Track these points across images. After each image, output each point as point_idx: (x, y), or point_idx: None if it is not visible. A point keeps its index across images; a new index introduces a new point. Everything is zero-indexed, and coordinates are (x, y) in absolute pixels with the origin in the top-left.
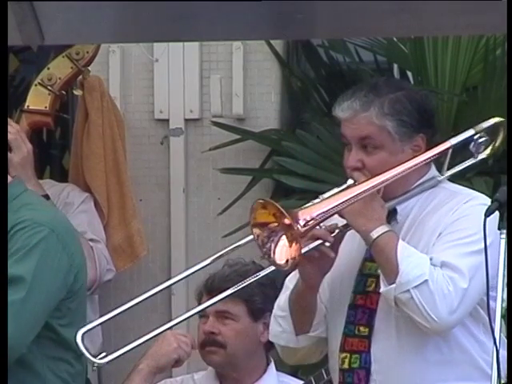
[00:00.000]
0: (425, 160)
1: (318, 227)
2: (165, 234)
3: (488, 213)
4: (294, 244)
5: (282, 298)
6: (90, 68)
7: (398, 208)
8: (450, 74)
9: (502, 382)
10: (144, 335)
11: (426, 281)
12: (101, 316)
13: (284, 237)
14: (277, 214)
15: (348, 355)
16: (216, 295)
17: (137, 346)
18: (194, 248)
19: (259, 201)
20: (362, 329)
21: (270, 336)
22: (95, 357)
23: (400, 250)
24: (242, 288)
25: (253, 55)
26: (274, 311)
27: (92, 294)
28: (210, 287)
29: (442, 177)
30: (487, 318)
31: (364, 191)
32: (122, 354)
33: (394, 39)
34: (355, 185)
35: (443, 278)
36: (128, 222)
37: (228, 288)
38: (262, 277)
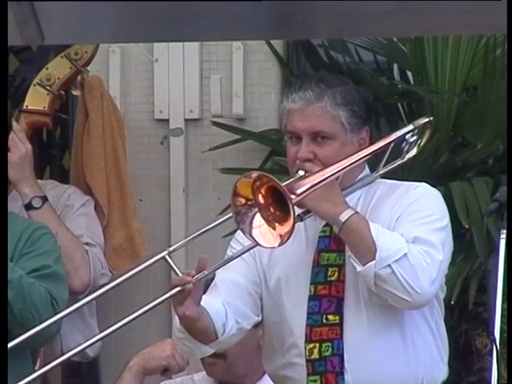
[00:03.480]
0: (375, 150)
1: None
2: (165, 234)
3: (488, 213)
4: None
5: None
6: (89, 68)
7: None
8: (450, 74)
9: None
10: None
11: (406, 254)
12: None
13: (258, 215)
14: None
15: (317, 345)
16: None
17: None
18: (193, 248)
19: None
20: (330, 317)
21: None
22: None
23: (373, 228)
24: None
25: (253, 55)
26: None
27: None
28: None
29: (381, 172)
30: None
31: (326, 178)
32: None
33: (394, 39)
34: (306, 176)
35: (419, 252)
36: (129, 222)
37: None
38: None
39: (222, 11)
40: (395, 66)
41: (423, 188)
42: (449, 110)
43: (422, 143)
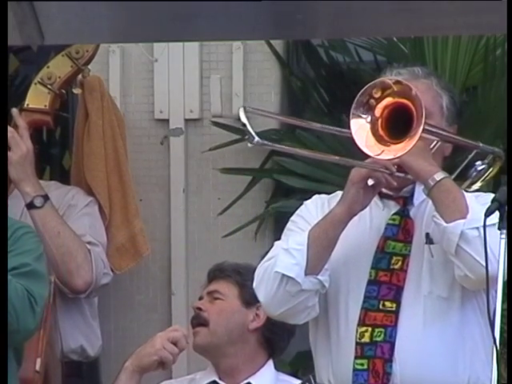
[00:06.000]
0: (462, 145)
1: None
2: (165, 234)
3: (488, 213)
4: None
5: (297, 236)
6: (89, 67)
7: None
8: (450, 74)
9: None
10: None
11: (495, 224)
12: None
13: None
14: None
15: (369, 329)
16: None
17: None
18: (194, 248)
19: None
20: (388, 304)
21: (279, 267)
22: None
23: (466, 195)
24: (239, 273)
25: (253, 55)
26: (286, 246)
27: (88, 296)
28: (208, 274)
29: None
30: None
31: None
32: None
33: (394, 39)
34: None
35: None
36: (131, 222)
37: (222, 276)
38: None
39: (221, 11)
40: None
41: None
42: None
43: (487, 177)
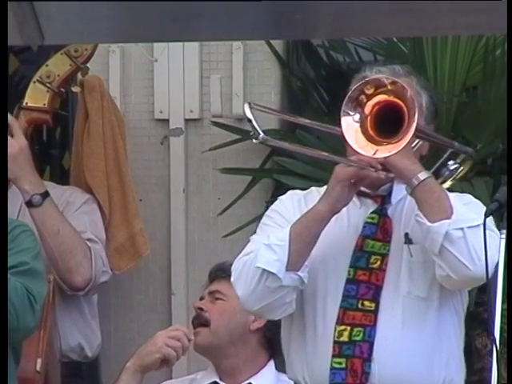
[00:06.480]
0: (440, 144)
1: None
2: (165, 234)
3: (488, 213)
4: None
5: (278, 232)
6: (89, 66)
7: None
8: (449, 74)
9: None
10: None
11: (479, 225)
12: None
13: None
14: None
15: (348, 328)
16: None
17: None
18: (194, 248)
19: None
20: (367, 303)
21: (261, 262)
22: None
23: (450, 195)
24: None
25: (253, 55)
26: (267, 241)
27: (87, 294)
28: (209, 274)
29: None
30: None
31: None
32: None
33: (394, 39)
34: None
35: (487, 232)
36: (130, 222)
37: (224, 276)
38: None
39: (222, 11)
40: None
41: (470, 196)
42: (448, 110)
43: (458, 176)
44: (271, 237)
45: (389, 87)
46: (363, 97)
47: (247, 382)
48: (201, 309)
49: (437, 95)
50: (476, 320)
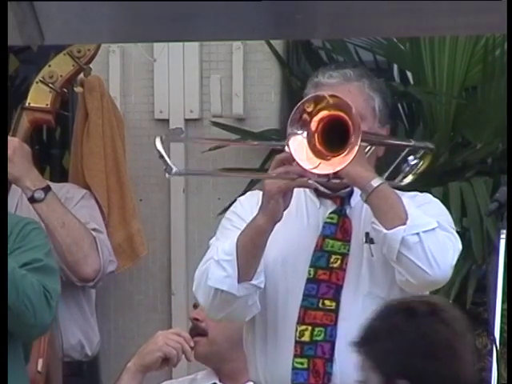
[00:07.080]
0: (393, 145)
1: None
2: (165, 234)
3: (488, 213)
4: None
5: (226, 244)
6: (91, 66)
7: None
8: (448, 75)
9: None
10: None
11: (434, 229)
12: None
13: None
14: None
15: (309, 328)
16: None
17: None
18: (193, 248)
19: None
20: (327, 302)
21: (211, 281)
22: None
23: (404, 200)
24: None
25: (253, 55)
26: (216, 257)
27: (96, 285)
28: None
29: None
30: None
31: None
32: None
33: (394, 39)
34: None
35: (445, 235)
36: (128, 222)
37: None
38: None
39: (222, 11)
40: (395, 66)
41: (428, 195)
42: (447, 110)
43: (418, 171)
44: (219, 251)
45: (330, 101)
46: (306, 116)
47: (248, 383)
48: (196, 319)
49: (435, 96)
50: (476, 320)
